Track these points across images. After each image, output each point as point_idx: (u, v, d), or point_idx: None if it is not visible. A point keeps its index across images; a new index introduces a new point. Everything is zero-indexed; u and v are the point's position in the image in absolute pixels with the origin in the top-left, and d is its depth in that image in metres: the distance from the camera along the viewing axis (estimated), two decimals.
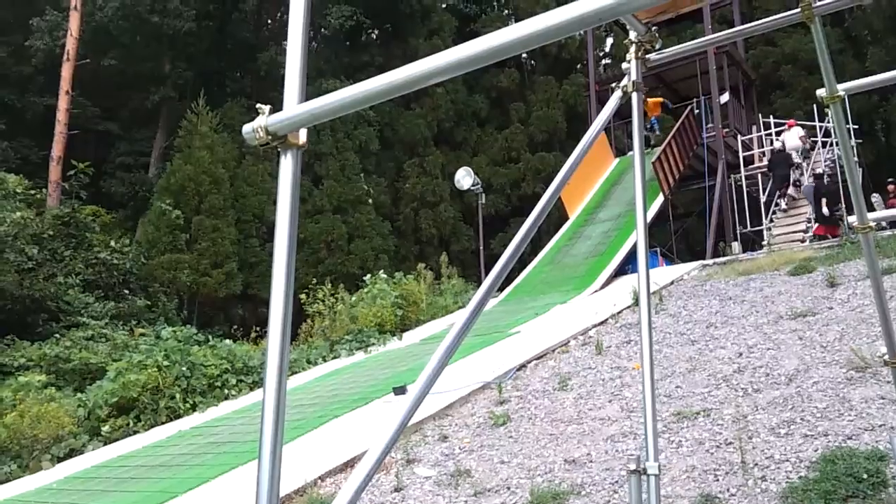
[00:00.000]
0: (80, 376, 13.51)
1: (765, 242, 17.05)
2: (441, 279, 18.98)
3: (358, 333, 15.01)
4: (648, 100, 19.58)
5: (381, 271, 17.66)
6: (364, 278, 17.44)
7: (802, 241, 16.44)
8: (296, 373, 13.22)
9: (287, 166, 1.74)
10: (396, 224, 27.41)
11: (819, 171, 17.84)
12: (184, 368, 12.31)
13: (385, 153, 28.36)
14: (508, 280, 16.65)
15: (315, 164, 25.39)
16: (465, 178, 20.63)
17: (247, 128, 1.74)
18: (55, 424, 10.74)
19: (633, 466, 3.07)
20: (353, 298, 16.56)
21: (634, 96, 3.35)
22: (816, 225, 16.84)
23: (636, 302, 11.50)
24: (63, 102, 23.25)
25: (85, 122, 25.70)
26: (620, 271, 15.77)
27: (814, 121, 20.37)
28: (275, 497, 1.67)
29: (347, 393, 10.59)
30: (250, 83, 29.45)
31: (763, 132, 21.53)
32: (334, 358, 14.36)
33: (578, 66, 33.17)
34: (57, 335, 15.34)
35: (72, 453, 10.65)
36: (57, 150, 22.87)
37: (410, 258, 25.70)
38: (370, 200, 26.14)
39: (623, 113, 2.91)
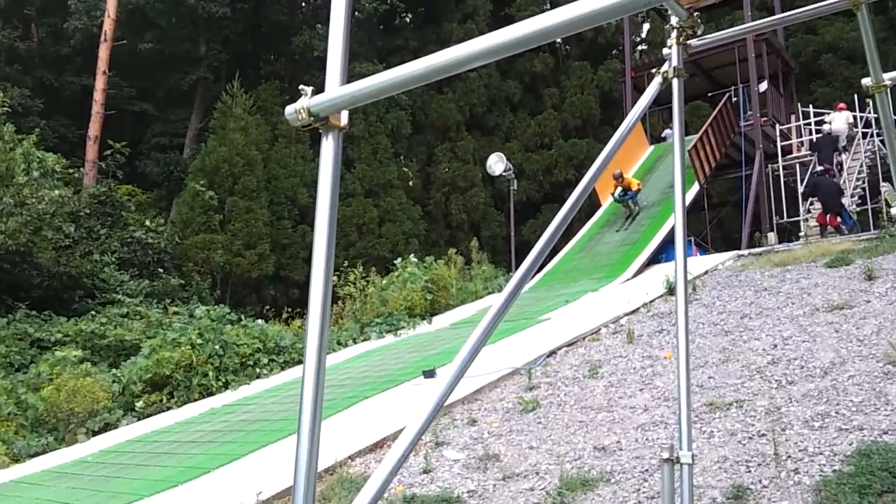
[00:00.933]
0: (114, 352, 13.75)
1: (801, 233, 16.80)
2: (471, 265, 18.96)
3: (388, 316, 15.09)
4: (625, 176, 18.13)
5: (412, 255, 17.70)
6: (394, 262, 17.50)
7: (840, 232, 16.17)
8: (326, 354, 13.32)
9: (328, 147, 1.74)
10: (427, 209, 27.41)
11: (820, 168, 17.54)
12: (217, 347, 12.49)
13: (417, 137, 28.34)
14: (539, 267, 16.61)
15: (347, 147, 25.46)
16: (496, 163, 20.52)
17: (289, 109, 1.73)
18: (90, 399, 10.96)
19: (665, 455, 3.05)
20: (384, 282, 16.63)
21: (675, 82, 3.29)
22: (828, 217, 16.60)
23: (669, 291, 11.40)
24: (100, 82, 23.53)
25: (121, 103, 25.99)
26: (654, 260, 15.64)
27: (855, 111, 19.96)
28: (312, 474, 1.68)
29: (377, 375, 10.67)
30: (284, 66, 29.55)
31: (802, 121, 21.15)
32: (364, 340, 14.46)
33: (614, 51, 32.79)
34: (93, 312, 15.61)
35: (106, 427, 10.87)
36: (93, 129, 23.17)
37: (440, 243, 25.71)
38: (410, 183, 26.20)
39: (660, 99, 2.88)
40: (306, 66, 27.19)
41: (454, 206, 27.62)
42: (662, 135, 23.08)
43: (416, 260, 17.15)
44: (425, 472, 6.41)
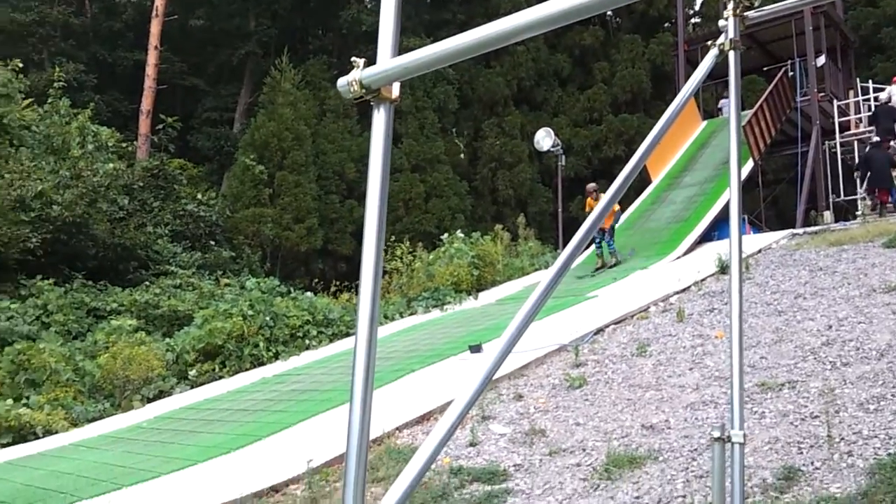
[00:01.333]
0: (168, 322, 14.10)
1: (859, 212, 16.35)
2: (518, 241, 18.90)
3: (434, 291, 15.15)
4: (601, 193, 14.30)
5: (459, 231, 17.71)
6: (441, 237, 17.53)
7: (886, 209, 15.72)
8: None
9: (380, 120, 1.74)
10: (474, 184, 27.31)
11: (876, 139, 16.94)
12: (267, 318, 12.74)
13: (464, 112, 28.18)
14: (587, 244, 16.44)
15: (394, 122, 25.36)
16: (544, 138, 20.30)
17: (341, 81, 1.73)
18: (145, 367, 11.28)
19: (717, 434, 3.01)
20: (431, 257, 16.69)
21: (732, 55, 3.19)
22: (878, 192, 16.11)
23: (721, 270, 11.21)
24: (152, 57, 23.87)
25: (172, 77, 26.37)
26: (705, 238, 15.38)
27: None
28: (364, 442, 1.68)
29: (423, 349, 10.75)
30: (332, 41, 29.59)
31: (861, 97, 20.47)
32: (411, 314, 14.56)
33: (666, 24, 32.07)
34: (147, 282, 15.99)
35: (161, 395, 11.18)
36: (146, 104, 23.57)
37: (487, 219, 25.64)
38: (461, 156, 26.19)
39: (713, 73, 2.80)
40: (354, 41, 27.19)
41: (501, 182, 27.47)
42: (718, 106, 22.63)
43: (462, 235, 17.16)
44: (472, 444, 6.46)
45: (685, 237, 15.38)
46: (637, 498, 4.96)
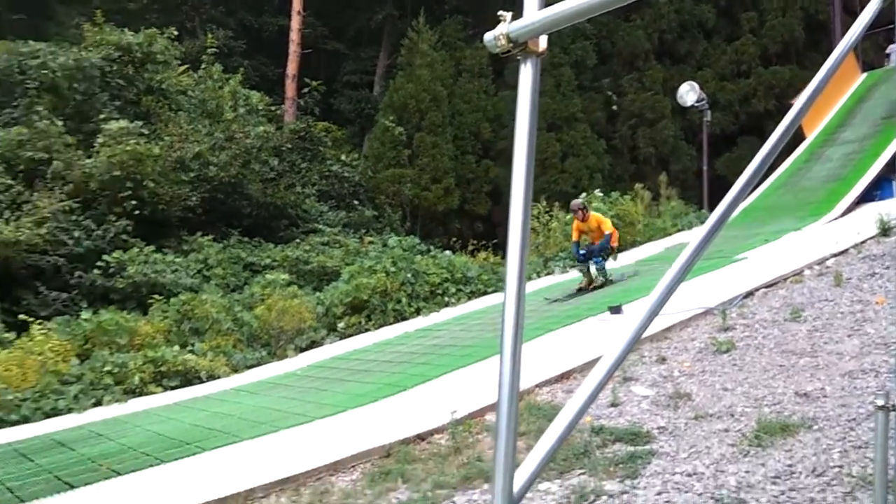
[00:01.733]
0: (317, 277, 14.85)
1: None
2: (659, 200, 18.35)
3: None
4: (590, 211, 12.38)
5: (597, 190, 17.40)
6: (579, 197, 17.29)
7: None
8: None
9: (527, 74, 1.73)
10: (612, 143, 26.67)
11: None
12: (408, 275, 13.16)
13: (601, 68, 27.46)
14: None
15: None
16: (688, 93, 19.50)
17: (488, 36, 1.74)
18: (298, 318, 11.96)
19: (880, 402, 2.87)
20: (568, 217, 16.51)
21: None
22: None
23: (884, 232, 10.46)
24: (295, 22, 24.66)
25: (315, 42, 27.15)
26: (866, 198, 14.35)
27: None
28: (515, 393, 1.74)
29: (561, 309, 10.73)
30: (466, 0, 29.49)
31: None
32: (547, 274, 14.54)
33: None
34: (297, 240, 16.86)
35: (312, 345, 11.85)
36: (291, 68, 24.46)
37: (626, 178, 25.00)
38: (614, 107, 25.75)
39: (874, 21, 2.55)
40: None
41: (641, 140, 26.68)
42: (886, 51, 20.99)
43: (601, 195, 16.85)
44: (613, 405, 6.42)
45: (843, 197, 14.42)
46: (790, 466, 4.78)
